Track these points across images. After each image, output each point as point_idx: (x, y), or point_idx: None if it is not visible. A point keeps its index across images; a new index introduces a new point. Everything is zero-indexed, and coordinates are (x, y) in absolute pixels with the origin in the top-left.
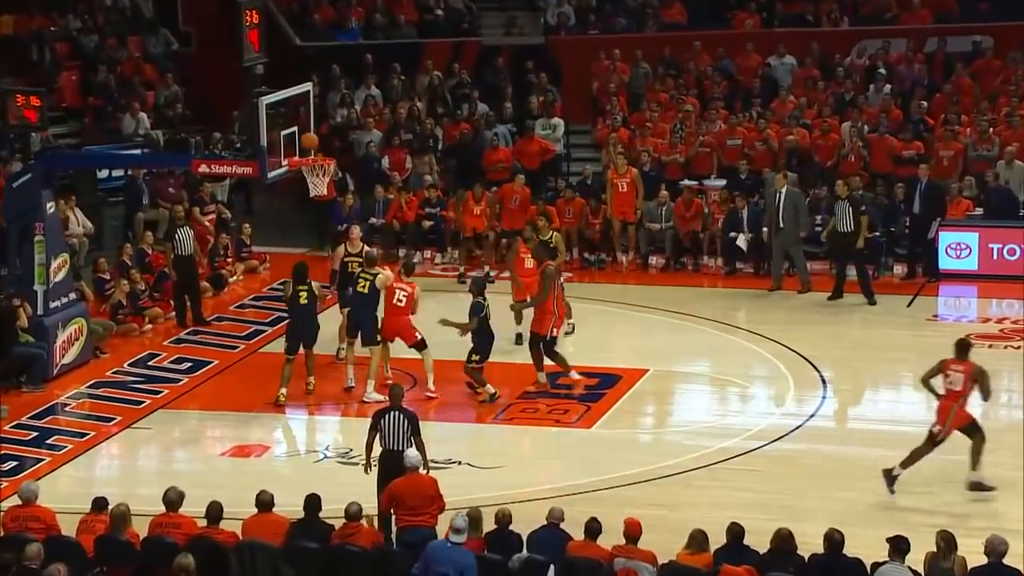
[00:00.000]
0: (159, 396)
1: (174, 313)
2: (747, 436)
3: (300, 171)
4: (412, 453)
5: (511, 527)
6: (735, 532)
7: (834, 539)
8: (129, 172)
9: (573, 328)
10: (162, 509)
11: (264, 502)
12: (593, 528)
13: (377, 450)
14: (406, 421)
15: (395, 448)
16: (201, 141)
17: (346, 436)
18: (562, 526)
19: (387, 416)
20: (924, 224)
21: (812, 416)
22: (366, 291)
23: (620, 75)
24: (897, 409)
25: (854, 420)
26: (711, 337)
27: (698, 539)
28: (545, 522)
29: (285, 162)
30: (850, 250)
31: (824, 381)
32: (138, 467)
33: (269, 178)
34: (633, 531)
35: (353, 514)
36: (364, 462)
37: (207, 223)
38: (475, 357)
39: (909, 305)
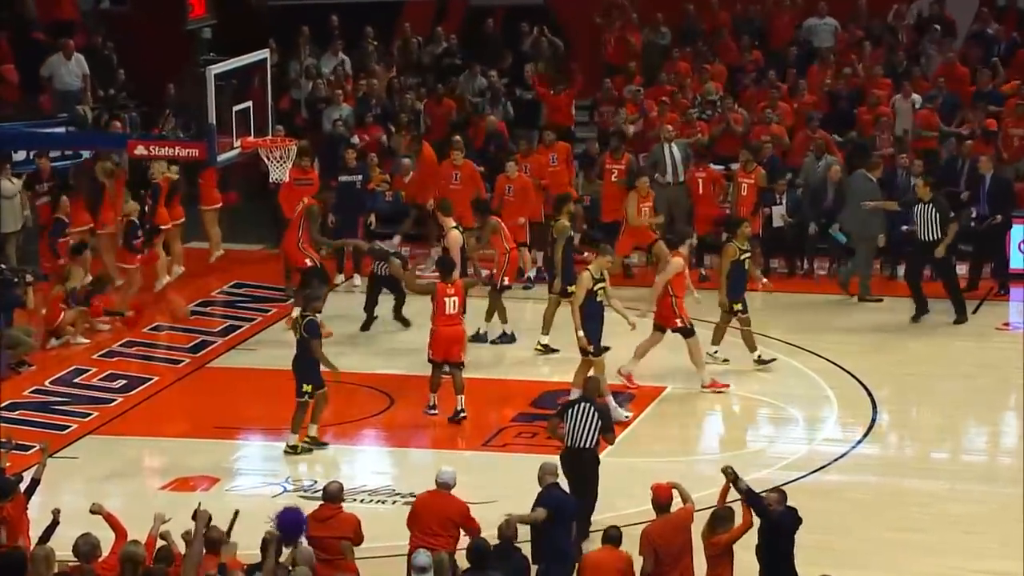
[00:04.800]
0: (87, 420)
1: None
2: (783, 466)
3: (253, 154)
4: (447, 470)
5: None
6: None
7: None
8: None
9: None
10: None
11: (213, 541)
12: (613, 535)
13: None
14: (596, 415)
15: (579, 445)
16: (138, 118)
17: (310, 466)
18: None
19: (575, 408)
20: (992, 227)
21: (860, 442)
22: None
23: (632, 41)
24: (959, 434)
25: (909, 447)
26: (740, 349)
27: (721, 518)
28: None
29: (238, 143)
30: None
31: (874, 401)
32: (62, 504)
33: (219, 161)
34: (662, 497)
35: (333, 494)
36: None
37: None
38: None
39: (975, 311)
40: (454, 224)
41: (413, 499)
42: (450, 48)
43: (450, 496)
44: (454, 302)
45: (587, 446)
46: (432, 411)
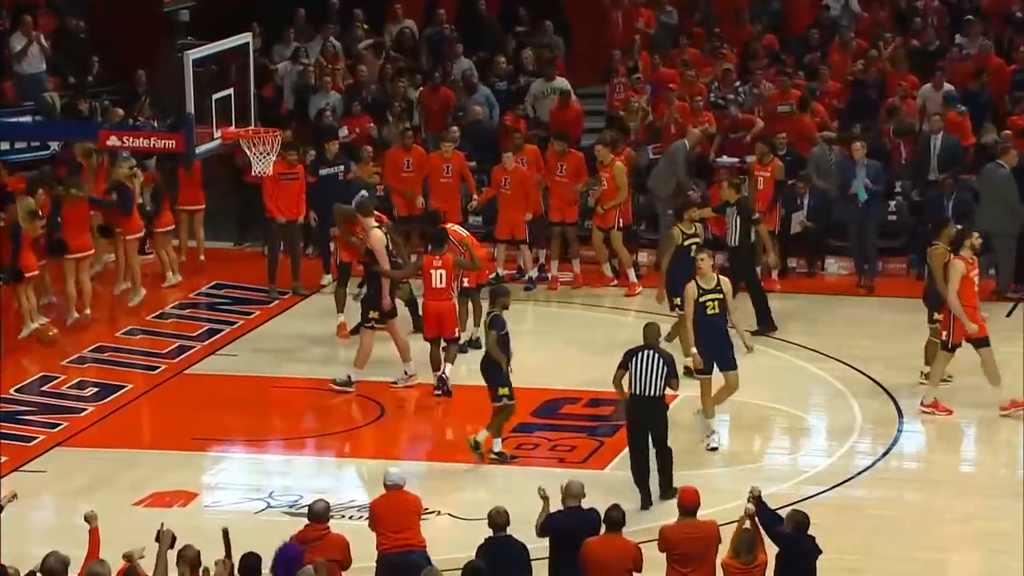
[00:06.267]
0: (55, 430)
1: None
2: (802, 480)
3: (231, 147)
4: (395, 471)
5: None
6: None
7: None
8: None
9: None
10: None
11: (189, 559)
12: (615, 518)
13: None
14: (662, 362)
15: (647, 393)
16: (109, 105)
17: (295, 479)
18: None
19: (639, 355)
20: None
21: (885, 455)
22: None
23: (643, 25)
24: (992, 447)
25: (939, 460)
26: (756, 354)
27: (747, 543)
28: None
29: (218, 133)
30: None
31: (900, 411)
32: (28, 521)
33: (198, 153)
34: (687, 501)
35: (320, 513)
36: (620, 398)
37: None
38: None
39: (1009, 315)
40: (375, 224)
41: None
42: (444, 29)
43: (406, 493)
44: (441, 275)
45: (653, 394)
46: (445, 390)
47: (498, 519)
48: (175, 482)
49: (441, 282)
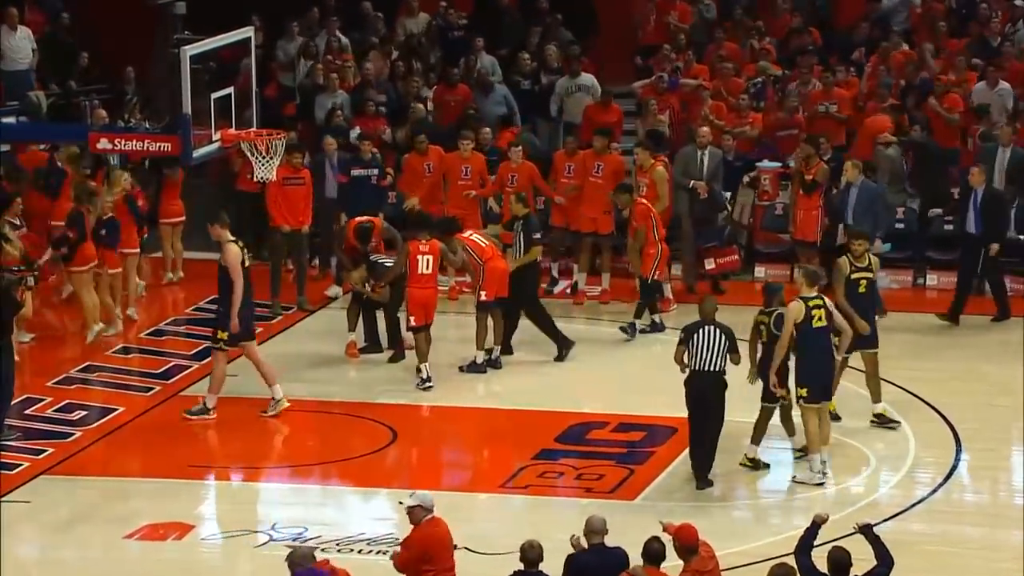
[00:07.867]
0: (40, 457)
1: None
2: (850, 512)
3: (229, 150)
4: (427, 495)
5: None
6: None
7: None
8: None
9: None
10: None
11: None
12: (656, 550)
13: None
14: (723, 336)
15: (709, 368)
16: (98, 105)
17: (300, 510)
18: None
19: (700, 331)
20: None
21: (942, 485)
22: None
23: (676, 19)
24: None
25: (999, 491)
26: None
27: None
28: None
29: (217, 135)
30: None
31: (957, 437)
32: (10, 555)
33: (195, 157)
34: (690, 538)
35: (308, 554)
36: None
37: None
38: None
39: None
40: (232, 238)
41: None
42: (455, 22)
43: (441, 519)
44: (428, 261)
45: (714, 369)
46: (428, 384)
47: (530, 553)
48: (169, 513)
49: (428, 268)
